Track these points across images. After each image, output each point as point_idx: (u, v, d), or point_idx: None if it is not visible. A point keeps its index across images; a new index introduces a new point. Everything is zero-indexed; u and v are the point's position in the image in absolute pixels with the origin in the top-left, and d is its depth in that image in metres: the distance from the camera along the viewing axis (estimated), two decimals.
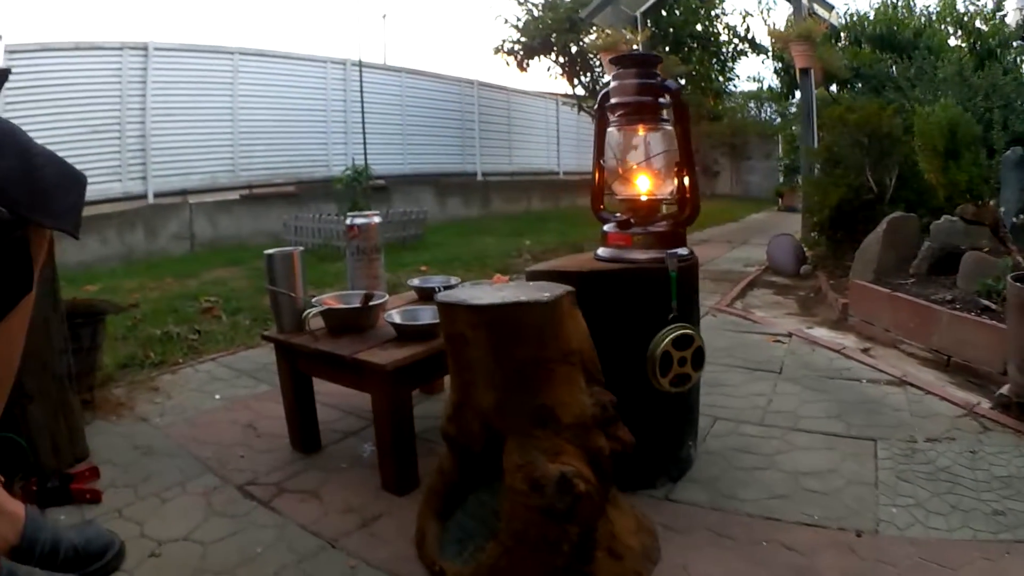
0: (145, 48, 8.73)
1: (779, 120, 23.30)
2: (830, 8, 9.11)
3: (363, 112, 9.84)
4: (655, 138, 2.21)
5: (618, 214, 2.29)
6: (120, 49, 8.54)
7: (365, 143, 9.66)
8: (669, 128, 2.22)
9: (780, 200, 19.93)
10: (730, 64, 15.13)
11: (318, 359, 2.39)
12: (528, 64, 14.09)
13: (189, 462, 2.59)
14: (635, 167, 2.22)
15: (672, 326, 2.14)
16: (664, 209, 2.33)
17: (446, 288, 2.90)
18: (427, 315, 2.44)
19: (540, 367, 1.58)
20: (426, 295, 2.97)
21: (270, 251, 2.54)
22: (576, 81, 14.50)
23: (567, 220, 12.59)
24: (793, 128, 19.80)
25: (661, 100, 2.20)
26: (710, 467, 2.45)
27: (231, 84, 9.73)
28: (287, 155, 10.44)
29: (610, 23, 9.79)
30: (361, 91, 9.97)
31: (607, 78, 14.31)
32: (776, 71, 16.49)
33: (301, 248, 2.59)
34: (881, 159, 6.16)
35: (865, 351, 3.97)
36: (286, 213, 9.29)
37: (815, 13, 8.58)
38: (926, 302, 3.92)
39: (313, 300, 2.56)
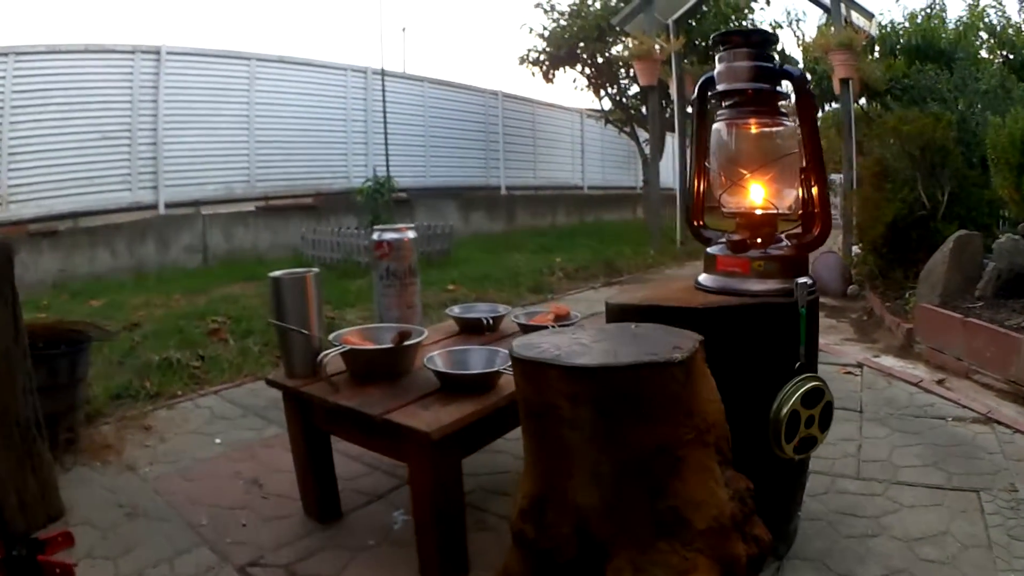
0: (158, 52, 8.31)
1: None
2: (870, 16, 8.64)
3: (385, 122, 9.41)
4: (774, 136, 1.73)
5: (727, 233, 1.81)
6: (132, 53, 8.13)
7: (387, 154, 9.21)
8: (790, 124, 1.74)
9: None
10: None
11: (339, 416, 1.87)
12: (554, 75, 13.64)
13: (180, 529, 2.13)
14: (749, 173, 1.74)
15: (801, 378, 1.67)
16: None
17: (494, 318, 2.41)
18: (478, 358, 1.94)
19: (668, 454, 1.11)
20: (470, 327, 2.45)
21: (276, 274, 2.03)
22: (603, 93, 14.06)
23: (595, 236, 12.09)
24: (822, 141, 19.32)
25: (779, 89, 1.73)
26: (817, 537, 2.08)
27: (247, 91, 9.29)
28: (306, 165, 9.98)
29: (642, 30, 9.34)
30: (383, 99, 9.55)
31: (634, 89, 13.93)
32: None
33: (316, 270, 2.07)
34: (933, 173, 5.75)
35: (940, 383, 3.68)
36: (304, 226, 8.85)
37: (851, 22, 8.12)
38: (1004, 329, 3.62)
39: (332, 337, 2.02)
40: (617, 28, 10.56)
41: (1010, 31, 8.77)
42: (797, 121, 1.74)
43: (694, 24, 11.45)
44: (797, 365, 1.68)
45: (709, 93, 1.80)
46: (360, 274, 7.33)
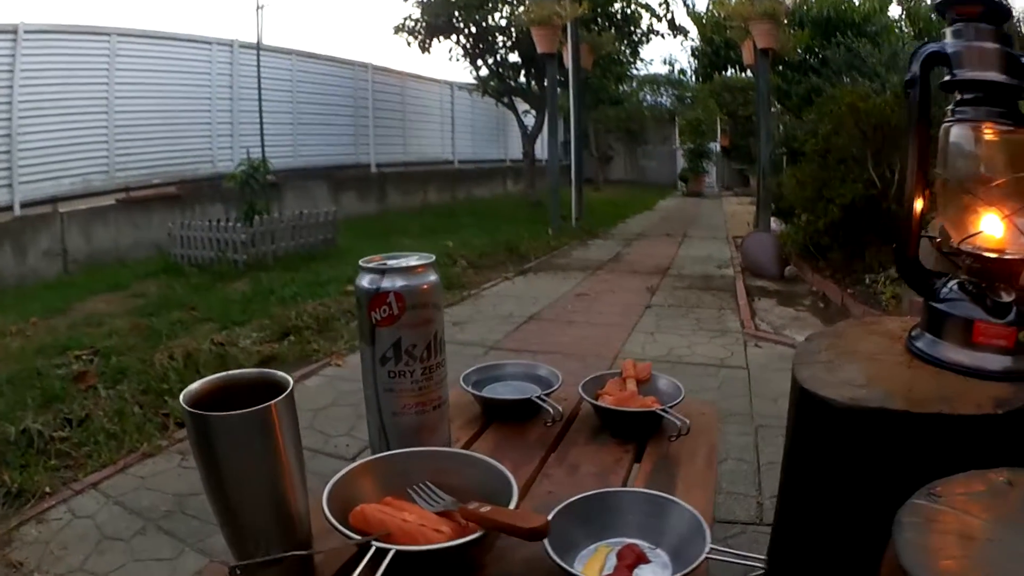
0: (15, 31, 7.05)
1: (677, 105, 23.15)
2: None
3: (260, 98, 8.41)
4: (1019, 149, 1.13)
5: (964, 280, 1.17)
6: None
7: (263, 133, 8.25)
8: None
9: (685, 185, 19.57)
10: (642, 46, 14.45)
11: None
12: (430, 45, 12.93)
13: None
14: (990, 200, 1.12)
15: None
16: None
17: (540, 384, 1.47)
18: (632, 516, 0.95)
19: None
20: (508, 413, 1.41)
21: (202, 408, 0.83)
22: (480, 63, 13.46)
23: (476, 214, 11.62)
24: (700, 111, 19.47)
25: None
26: None
27: (107, 70, 8.07)
28: (168, 150, 8.87)
29: None
30: (258, 74, 8.52)
31: (513, 58, 13.38)
32: (694, 52, 15.94)
33: (287, 385, 0.88)
34: (882, 152, 5.44)
35: None
36: (170, 219, 7.79)
37: None
38: None
39: (326, 495, 0.89)
40: None
41: (925, 6, 8.73)
42: None
43: None
44: None
45: (932, 72, 1.16)
46: (237, 275, 6.53)
